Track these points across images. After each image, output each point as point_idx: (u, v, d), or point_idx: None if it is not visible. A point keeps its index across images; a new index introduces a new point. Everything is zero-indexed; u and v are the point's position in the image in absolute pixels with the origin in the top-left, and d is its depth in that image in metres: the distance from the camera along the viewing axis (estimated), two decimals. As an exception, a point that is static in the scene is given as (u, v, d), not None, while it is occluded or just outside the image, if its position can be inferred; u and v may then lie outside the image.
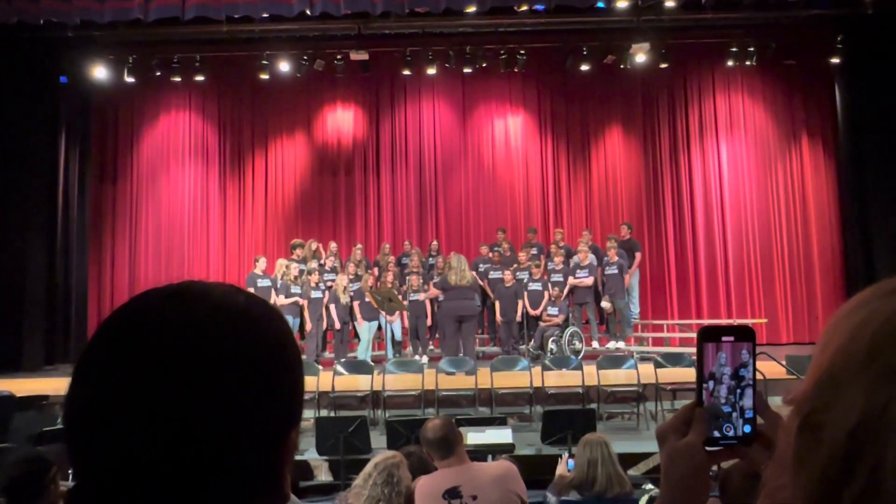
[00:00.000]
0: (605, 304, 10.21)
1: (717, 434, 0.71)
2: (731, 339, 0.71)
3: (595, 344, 10.11)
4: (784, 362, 7.33)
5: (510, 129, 13.05)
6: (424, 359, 9.87)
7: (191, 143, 12.84)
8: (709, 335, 0.72)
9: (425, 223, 12.95)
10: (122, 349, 0.55)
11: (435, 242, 11.78)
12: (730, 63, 11.71)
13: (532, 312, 9.98)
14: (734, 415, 0.71)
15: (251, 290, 9.05)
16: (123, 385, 0.54)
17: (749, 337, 0.72)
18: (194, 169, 12.81)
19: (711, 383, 0.71)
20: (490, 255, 10.93)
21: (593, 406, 7.05)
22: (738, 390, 0.71)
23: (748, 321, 10.86)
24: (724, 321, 11.34)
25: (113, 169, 12.75)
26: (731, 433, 0.71)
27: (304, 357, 6.44)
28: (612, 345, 10.06)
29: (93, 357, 0.57)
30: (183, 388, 0.54)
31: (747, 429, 0.72)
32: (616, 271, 10.08)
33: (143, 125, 12.82)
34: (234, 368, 0.56)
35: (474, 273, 9.89)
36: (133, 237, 12.61)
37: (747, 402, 0.71)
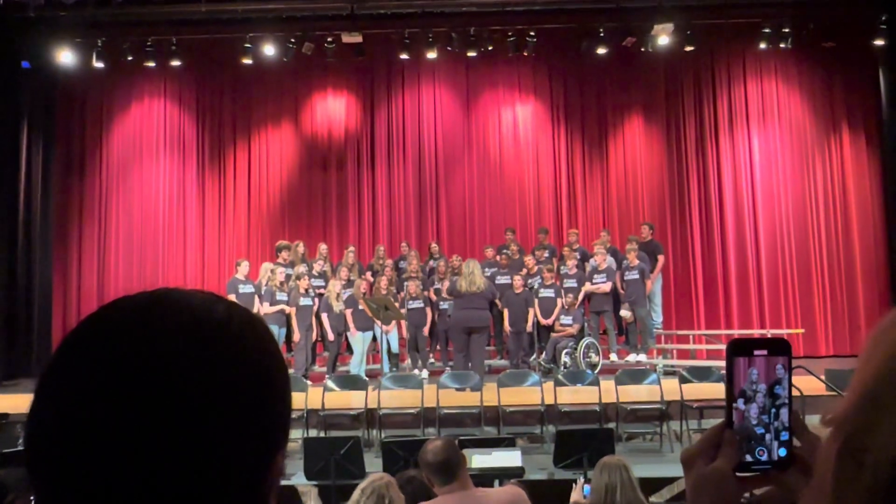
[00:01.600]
0: (624, 312, 10.20)
1: (748, 458, 0.71)
2: (765, 352, 0.71)
3: (613, 357, 10.10)
4: (823, 377, 7.30)
5: (519, 120, 13.06)
6: (424, 373, 9.87)
7: (166, 135, 12.86)
8: (739, 349, 0.72)
9: (425, 223, 12.96)
10: (89, 365, 0.55)
11: (435, 244, 11.79)
12: (762, 45, 11.70)
13: (543, 322, 9.97)
14: (768, 437, 0.71)
15: (232, 297, 9.13)
16: (90, 405, 0.54)
17: (784, 350, 0.72)
18: (170, 163, 12.83)
19: (742, 402, 0.71)
20: (497, 258, 10.94)
21: (611, 426, 7.04)
22: (773, 410, 0.71)
23: (783, 332, 10.84)
24: (756, 332, 11.34)
25: (80, 163, 12.78)
26: (764, 457, 0.71)
27: (291, 371, 6.35)
28: (632, 357, 10.05)
29: (57, 373, 0.57)
30: (156, 408, 0.54)
31: (782, 452, 0.71)
32: (636, 276, 10.07)
33: (114, 115, 12.85)
34: (213, 387, 0.56)
35: (487, 280, 9.86)
36: (102, 239, 12.63)
37: (782, 422, 0.71)
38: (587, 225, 12.65)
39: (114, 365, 0.55)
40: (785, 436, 0.71)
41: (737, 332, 11.68)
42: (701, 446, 0.72)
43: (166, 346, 0.56)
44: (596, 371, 8.78)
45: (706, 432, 0.73)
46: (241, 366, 0.58)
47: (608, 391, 7.38)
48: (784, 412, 0.71)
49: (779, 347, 0.72)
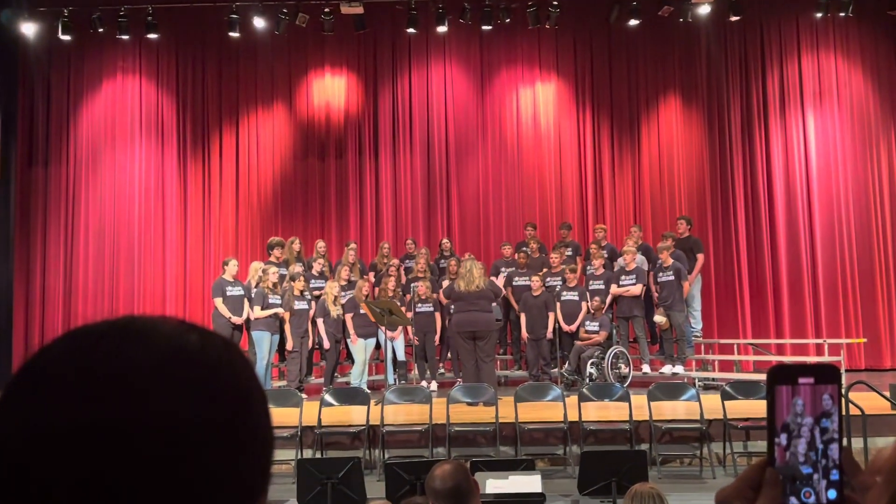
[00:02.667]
0: (658, 318, 10.16)
1: (793, 501, 0.70)
2: (811, 380, 0.70)
3: (646, 368, 10.08)
4: (888, 394, 7.21)
5: (540, 101, 13.05)
6: (433, 385, 9.87)
7: (142, 117, 12.91)
8: (781, 376, 0.71)
9: (434, 217, 12.98)
10: (44, 403, 0.56)
11: (446, 241, 11.78)
12: (819, 14, 11.59)
13: (566, 328, 9.97)
14: (815, 477, 0.70)
15: (219, 300, 9.10)
16: (46, 446, 0.54)
17: (833, 378, 0.71)
18: (147, 149, 12.88)
19: (785, 437, 0.70)
20: (515, 256, 10.93)
21: (644, 447, 7.01)
22: (820, 446, 0.70)
23: (842, 341, 10.75)
24: (811, 341, 11.25)
25: (44, 149, 12.86)
26: (811, 500, 0.70)
27: (283, 384, 6.42)
28: (667, 369, 10.02)
29: (9, 410, 0.57)
30: (120, 459, 0.54)
31: (832, 495, 0.70)
32: (672, 277, 10.03)
33: (83, 94, 12.92)
34: (185, 429, 0.56)
35: (492, 278, 9.84)
36: (70, 236, 12.70)
37: (832, 460, 0.70)
38: (616, 220, 12.65)
39: (70, 409, 0.55)
40: (835, 475, 0.70)
41: (788, 342, 11.62)
42: (738, 486, 0.72)
43: (131, 385, 0.56)
44: (626, 384, 8.75)
45: (744, 471, 0.72)
46: (217, 402, 0.58)
47: (640, 407, 7.35)
48: (833, 448, 0.70)
49: (827, 375, 0.71)
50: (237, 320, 9.57)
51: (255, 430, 0.61)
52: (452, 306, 9.41)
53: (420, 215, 12.94)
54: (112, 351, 0.58)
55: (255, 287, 9.81)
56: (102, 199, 12.69)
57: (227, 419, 0.59)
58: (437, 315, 10.24)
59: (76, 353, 0.58)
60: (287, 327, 9.75)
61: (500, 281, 10.11)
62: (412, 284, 10.32)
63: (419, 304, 10.05)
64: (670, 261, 10.11)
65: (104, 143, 12.81)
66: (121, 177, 12.76)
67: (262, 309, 9.59)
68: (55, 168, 12.84)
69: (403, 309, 9.59)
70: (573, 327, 9.96)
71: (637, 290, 10.04)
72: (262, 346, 9.42)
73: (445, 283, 10.33)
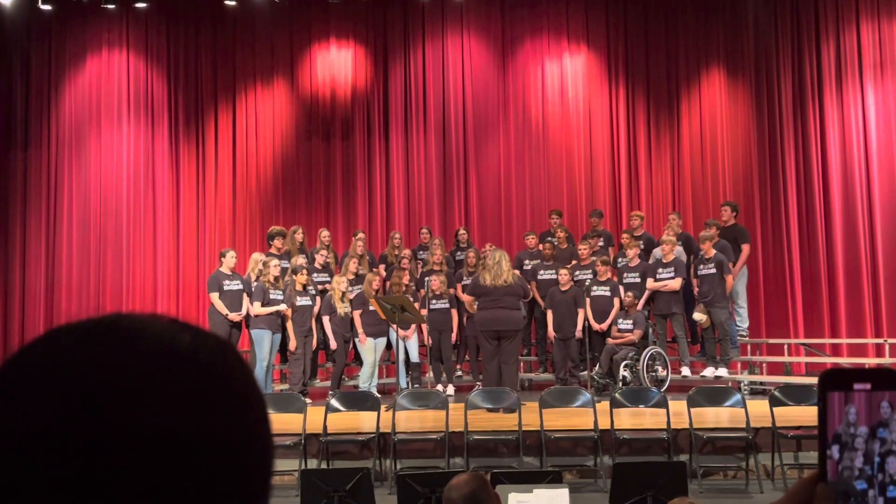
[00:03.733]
0: (699, 315, 10.11)
1: None
2: (867, 386, 0.71)
3: (685, 371, 10.06)
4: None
5: (568, 75, 13.01)
6: (450, 389, 9.90)
7: (130, 96, 12.98)
8: (833, 382, 0.71)
9: (451, 204, 12.99)
10: (22, 409, 0.56)
11: (463, 231, 11.78)
12: (879, -23, 11.41)
13: (597, 327, 9.96)
14: (871, 494, 0.71)
15: (215, 295, 9.12)
16: (22, 456, 0.55)
17: (892, 383, 0.71)
18: (135, 130, 12.95)
19: (837, 449, 0.71)
20: (540, 247, 10.92)
21: (683, 458, 6.99)
22: (877, 459, 0.71)
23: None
24: (870, 341, 11.14)
25: (23, 131, 12.98)
26: None
27: (286, 387, 6.46)
28: (709, 372, 9.98)
29: None
30: (104, 465, 0.55)
31: None
32: (714, 270, 9.98)
33: (65, 71, 13.00)
34: (175, 437, 0.57)
35: (517, 272, 9.82)
36: (52, 225, 12.81)
37: (889, 475, 0.71)
38: (653, 206, 12.61)
39: (49, 416, 0.55)
40: (892, 492, 0.71)
41: (845, 342, 11.52)
42: (786, 503, 0.73)
43: (117, 390, 0.57)
44: (663, 388, 8.74)
45: (793, 487, 0.73)
46: (210, 411, 0.59)
47: (679, 414, 7.31)
48: (891, 462, 0.71)
49: (885, 380, 0.71)
50: (235, 317, 9.60)
51: (254, 438, 0.62)
52: (477, 302, 9.40)
53: (435, 202, 12.95)
54: (97, 352, 0.58)
55: (255, 281, 9.84)
56: (87, 185, 12.78)
57: (222, 427, 0.59)
58: (454, 312, 10.26)
59: (58, 354, 0.59)
60: (289, 325, 9.78)
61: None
62: (426, 278, 10.33)
63: (434, 300, 10.05)
64: (713, 252, 10.04)
65: (89, 125, 12.89)
66: (107, 161, 12.83)
67: (263, 305, 9.61)
68: (35, 152, 12.94)
69: (417, 305, 9.60)
70: (604, 325, 9.96)
71: (676, 284, 10.00)
72: (263, 346, 9.46)
73: (468, 279, 10.34)
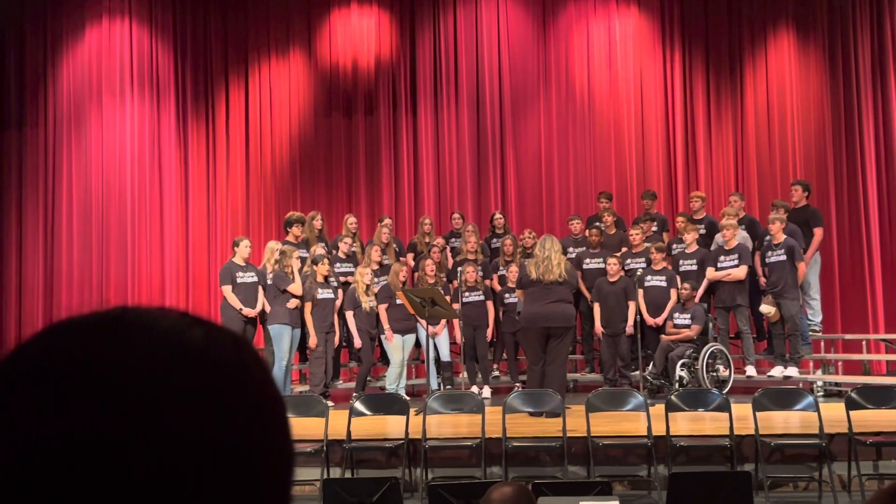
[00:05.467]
0: (766, 307, 10.02)
1: None
2: None
3: (750, 370, 9.98)
4: None
5: (616, 39, 12.94)
6: (485, 391, 9.90)
7: (133, 70, 13.07)
8: None
9: (486, 186, 12.99)
10: (19, 412, 0.57)
11: (500, 215, 11.75)
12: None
13: (651, 321, 9.92)
14: None
15: (228, 288, 9.16)
16: (19, 464, 0.55)
17: None
18: (139, 108, 13.06)
19: None
20: (586, 233, 10.90)
21: (748, 468, 6.93)
22: None
23: None
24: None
25: (18, 109, 13.13)
26: None
27: (306, 389, 6.52)
28: (777, 371, 9.91)
29: None
30: (109, 473, 0.55)
31: None
32: (784, 257, 9.88)
33: (62, 43, 13.12)
34: (186, 443, 0.57)
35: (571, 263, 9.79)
36: (50, 211, 12.97)
37: None
38: (713, 186, 12.54)
39: (49, 419, 0.56)
40: None
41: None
42: None
43: (123, 391, 0.57)
44: (725, 390, 8.67)
45: (872, 498, 0.73)
46: (224, 414, 0.60)
47: (743, 419, 7.26)
48: None
49: None
50: (250, 312, 9.63)
51: (271, 442, 0.63)
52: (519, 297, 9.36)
53: (468, 184, 12.94)
54: (101, 348, 0.59)
55: (271, 272, 9.87)
56: (88, 168, 12.91)
57: (237, 429, 0.60)
58: (490, 305, 10.24)
59: (58, 351, 0.59)
60: (308, 321, 9.81)
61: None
62: (459, 268, 10.31)
63: (467, 293, 10.05)
64: (782, 236, 9.94)
65: (89, 102, 13.00)
66: (109, 142, 12.94)
67: (284, 293, 9.58)
68: (31, 132, 13.09)
69: (449, 298, 9.60)
70: (659, 320, 9.93)
71: (740, 272, 9.91)
72: (282, 343, 9.47)
73: (504, 268, 10.31)
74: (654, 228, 10.96)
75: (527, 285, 8.86)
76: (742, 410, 7.34)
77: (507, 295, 10.26)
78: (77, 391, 0.57)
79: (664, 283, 9.99)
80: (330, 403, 8.56)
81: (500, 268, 10.63)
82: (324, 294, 9.92)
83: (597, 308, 10.12)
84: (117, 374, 0.58)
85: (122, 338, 0.60)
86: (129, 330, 0.61)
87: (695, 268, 10.11)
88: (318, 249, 10.37)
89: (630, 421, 7.57)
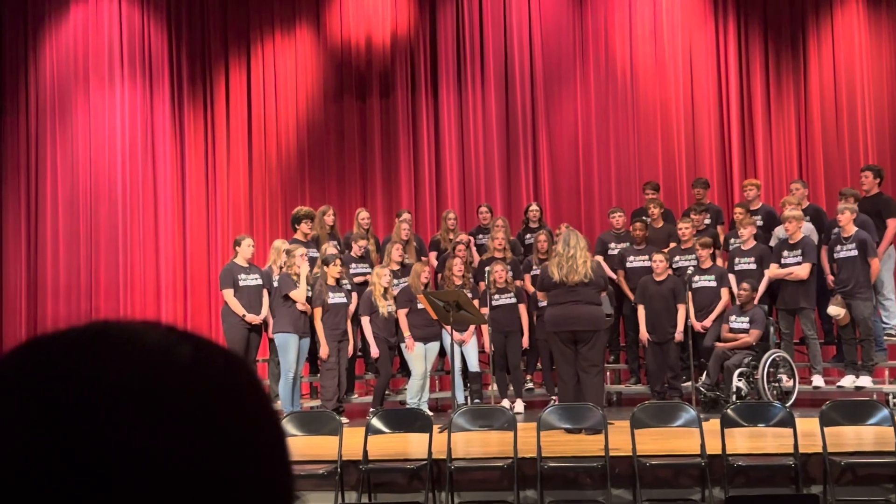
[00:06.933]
0: (835, 309, 9.94)
1: None
2: None
3: (817, 380, 9.93)
4: None
5: (662, 9, 12.89)
6: (518, 405, 9.88)
7: (123, 51, 13.15)
8: None
9: (516, 176, 13.00)
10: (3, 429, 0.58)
11: (535, 206, 11.72)
12: None
13: (698, 326, 9.90)
14: None
15: (230, 291, 9.21)
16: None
17: None
18: (131, 93, 13.14)
19: None
20: (629, 227, 10.91)
21: (816, 490, 6.91)
22: None
23: None
24: None
25: (-1, 95, 13.25)
26: None
27: (317, 404, 6.59)
28: (848, 381, 9.83)
29: None
30: (89, 492, 0.56)
31: None
32: (855, 252, 9.83)
33: (45, 22, 13.22)
34: (171, 473, 0.58)
35: (599, 258, 9.73)
36: (33, 209, 13.09)
37: None
38: (773, 173, 12.50)
39: (26, 444, 0.57)
40: None
41: None
42: None
43: (104, 415, 0.58)
44: (789, 403, 8.63)
45: None
46: (215, 442, 0.61)
47: (810, 435, 7.23)
48: None
49: None
50: (253, 319, 9.67)
51: (266, 475, 0.63)
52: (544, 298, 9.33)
53: (496, 173, 12.95)
54: (82, 366, 0.60)
55: (278, 274, 9.90)
56: (75, 160, 13.01)
57: (228, 461, 0.61)
58: (522, 308, 10.22)
59: (34, 370, 0.60)
60: (319, 328, 9.80)
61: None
62: (487, 268, 10.29)
63: (497, 295, 10.05)
64: (853, 229, 9.86)
65: (74, 88, 13.10)
66: (97, 131, 13.03)
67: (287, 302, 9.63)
68: (11, 120, 13.22)
69: (476, 302, 9.59)
70: (707, 322, 9.94)
71: (804, 270, 9.83)
72: (289, 354, 9.50)
73: (538, 267, 10.26)
74: (707, 221, 10.91)
75: (548, 288, 8.84)
76: (808, 426, 7.33)
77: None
78: (55, 409, 0.58)
79: (713, 283, 9.95)
80: (344, 420, 8.58)
81: (534, 267, 10.58)
82: (336, 298, 9.91)
83: (641, 311, 10.06)
84: (99, 392, 0.58)
85: (103, 355, 0.61)
86: (112, 345, 0.61)
87: (753, 266, 10.03)
88: (330, 248, 10.36)
89: (681, 438, 7.55)
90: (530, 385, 10.70)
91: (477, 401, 9.74)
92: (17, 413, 0.58)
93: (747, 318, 9.63)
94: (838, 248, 9.95)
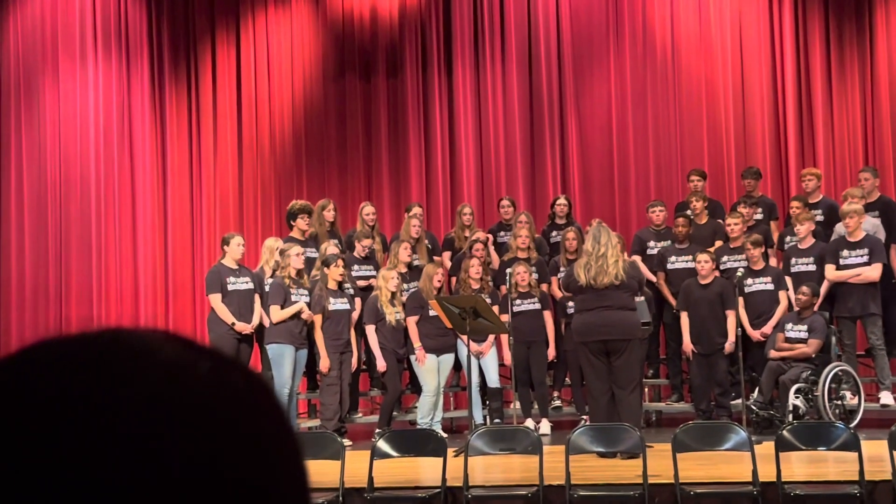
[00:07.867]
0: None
1: None
2: None
3: (886, 397, 9.89)
4: None
5: (708, -24, 12.87)
6: (544, 425, 9.89)
7: (97, 25, 13.19)
8: None
9: (542, 166, 13.04)
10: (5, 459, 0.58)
11: (562, 200, 11.70)
12: None
13: (755, 335, 9.91)
14: None
15: (216, 296, 9.30)
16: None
17: None
18: (105, 73, 13.19)
19: None
20: (671, 224, 10.92)
21: (885, 522, 6.84)
22: None
23: None
24: None
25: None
26: None
27: (316, 423, 6.62)
28: (921, 399, 9.78)
29: None
30: None
31: None
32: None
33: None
34: (189, 487, 0.59)
35: (635, 258, 9.69)
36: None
37: None
38: (834, 162, 12.49)
39: (31, 475, 0.57)
40: None
41: None
42: None
43: (123, 427, 0.59)
44: (854, 423, 8.62)
45: None
46: (231, 455, 0.62)
47: (877, 460, 7.24)
48: None
49: None
50: (243, 328, 9.68)
51: (285, 494, 0.65)
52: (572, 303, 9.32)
53: (519, 163, 12.99)
54: (95, 384, 0.60)
55: (271, 277, 9.92)
56: (42, 147, 13.07)
57: (246, 476, 0.62)
58: (548, 315, 10.22)
59: (39, 382, 0.61)
60: (318, 337, 9.82)
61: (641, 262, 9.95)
62: (508, 269, 10.26)
63: (520, 301, 10.06)
64: (927, 225, 9.82)
65: (42, 67, 13.16)
66: (68, 115, 13.09)
67: (283, 309, 9.66)
68: (-29, 102, 13.28)
69: (496, 308, 9.58)
70: (767, 329, 9.94)
71: (876, 272, 9.84)
72: (283, 367, 9.54)
73: (563, 268, 10.26)
74: (759, 216, 10.87)
75: (575, 292, 8.83)
76: (875, 449, 7.36)
77: (569, 303, 10.15)
78: (66, 439, 0.58)
79: (771, 286, 9.95)
80: (347, 442, 8.57)
81: (561, 268, 10.55)
82: (337, 304, 9.95)
83: (685, 319, 10.04)
84: (115, 410, 0.59)
85: (119, 370, 0.61)
86: (126, 360, 0.62)
87: (812, 267, 10.01)
88: (330, 248, 10.40)
89: (730, 463, 7.59)
90: (557, 403, 10.69)
91: (497, 420, 9.80)
92: (32, 433, 0.58)
93: (806, 327, 9.60)
94: (912, 248, 9.99)
